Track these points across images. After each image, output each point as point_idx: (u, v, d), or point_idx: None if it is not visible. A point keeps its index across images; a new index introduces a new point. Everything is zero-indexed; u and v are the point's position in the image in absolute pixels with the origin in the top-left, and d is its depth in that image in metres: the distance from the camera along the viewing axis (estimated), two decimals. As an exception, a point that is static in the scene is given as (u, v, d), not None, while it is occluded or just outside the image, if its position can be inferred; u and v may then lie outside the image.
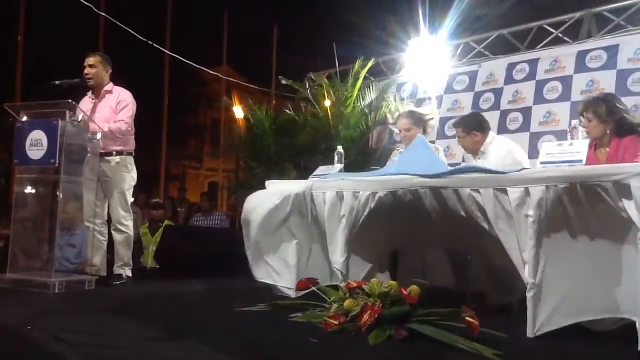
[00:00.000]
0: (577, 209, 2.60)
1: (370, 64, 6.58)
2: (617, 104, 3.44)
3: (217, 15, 17.65)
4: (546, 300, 2.63)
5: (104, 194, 4.50)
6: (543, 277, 2.64)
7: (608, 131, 3.41)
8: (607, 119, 3.38)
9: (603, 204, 2.51)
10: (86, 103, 4.52)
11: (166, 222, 7.48)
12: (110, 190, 4.48)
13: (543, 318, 2.63)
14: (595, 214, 2.57)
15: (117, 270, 4.53)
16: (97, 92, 4.55)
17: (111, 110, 4.49)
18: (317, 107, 6.79)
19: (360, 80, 6.58)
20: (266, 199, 3.83)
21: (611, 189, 2.46)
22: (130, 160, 4.56)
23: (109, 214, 4.59)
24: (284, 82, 6.90)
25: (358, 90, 6.66)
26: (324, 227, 3.66)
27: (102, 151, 4.40)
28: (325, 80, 6.77)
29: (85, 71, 4.48)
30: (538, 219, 2.66)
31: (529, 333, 2.63)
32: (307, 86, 6.87)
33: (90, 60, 4.50)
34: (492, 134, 4.19)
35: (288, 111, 7.08)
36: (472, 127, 4.09)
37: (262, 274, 3.88)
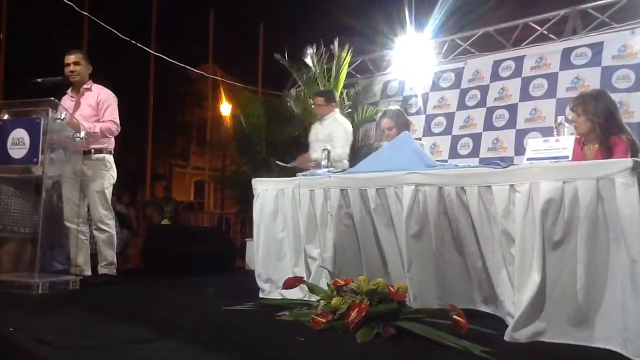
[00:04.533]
0: (562, 206, 2.59)
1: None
2: (608, 104, 3.43)
3: (203, 14, 17.56)
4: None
5: (84, 193, 4.46)
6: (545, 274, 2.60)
7: (596, 129, 3.41)
8: (593, 118, 3.38)
9: (589, 201, 2.51)
10: (66, 101, 4.47)
11: (164, 221, 7.40)
12: (90, 189, 4.43)
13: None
14: (581, 211, 2.55)
15: (101, 270, 4.48)
16: (77, 90, 4.52)
17: (91, 108, 4.46)
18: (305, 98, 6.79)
19: (346, 66, 6.58)
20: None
21: (596, 186, 2.47)
22: (110, 158, 4.52)
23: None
24: (277, 58, 6.91)
25: (342, 88, 6.67)
26: (311, 225, 3.65)
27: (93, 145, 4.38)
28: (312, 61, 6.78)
29: (71, 68, 4.45)
30: (524, 216, 2.66)
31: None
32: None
33: (73, 57, 4.48)
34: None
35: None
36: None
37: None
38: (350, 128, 5.28)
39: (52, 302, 3.58)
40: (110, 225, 4.50)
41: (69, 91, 4.57)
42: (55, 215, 4.60)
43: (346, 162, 5.01)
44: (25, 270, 3.94)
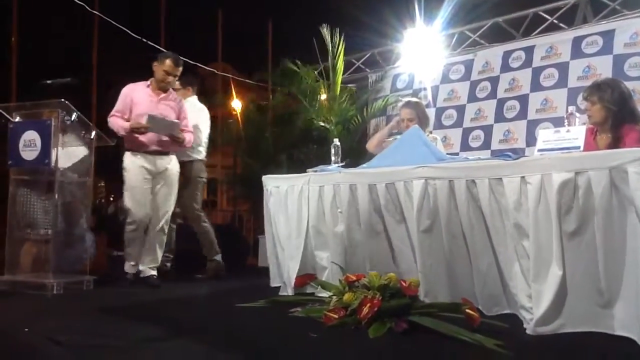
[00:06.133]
0: (575, 196, 2.56)
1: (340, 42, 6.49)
2: (623, 92, 3.37)
3: (212, 11, 17.57)
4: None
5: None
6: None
7: (610, 118, 3.35)
8: (610, 106, 3.32)
9: (602, 191, 2.47)
10: (143, 93, 4.45)
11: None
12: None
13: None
14: (594, 202, 2.52)
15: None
16: (159, 90, 4.50)
17: (173, 111, 4.50)
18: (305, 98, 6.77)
19: (341, 62, 6.53)
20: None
21: (609, 175, 2.43)
22: None
23: None
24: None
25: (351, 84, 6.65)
26: (320, 221, 3.64)
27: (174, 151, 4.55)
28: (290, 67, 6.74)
29: (170, 79, 4.47)
30: (536, 208, 2.63)
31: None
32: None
33: (179, 71, 4.51)
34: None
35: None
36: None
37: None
38: (206, 114, 5.09)
39: (66, 302, 3.62)
40: None
41: (147, 82, 4.53)
42: (70, 216, 4.64)
43: (201, 149, 4.98)
44: (43, 271, 3.97)
